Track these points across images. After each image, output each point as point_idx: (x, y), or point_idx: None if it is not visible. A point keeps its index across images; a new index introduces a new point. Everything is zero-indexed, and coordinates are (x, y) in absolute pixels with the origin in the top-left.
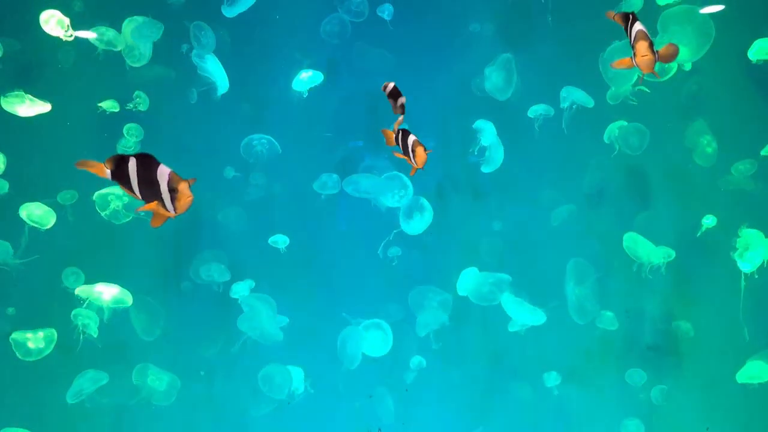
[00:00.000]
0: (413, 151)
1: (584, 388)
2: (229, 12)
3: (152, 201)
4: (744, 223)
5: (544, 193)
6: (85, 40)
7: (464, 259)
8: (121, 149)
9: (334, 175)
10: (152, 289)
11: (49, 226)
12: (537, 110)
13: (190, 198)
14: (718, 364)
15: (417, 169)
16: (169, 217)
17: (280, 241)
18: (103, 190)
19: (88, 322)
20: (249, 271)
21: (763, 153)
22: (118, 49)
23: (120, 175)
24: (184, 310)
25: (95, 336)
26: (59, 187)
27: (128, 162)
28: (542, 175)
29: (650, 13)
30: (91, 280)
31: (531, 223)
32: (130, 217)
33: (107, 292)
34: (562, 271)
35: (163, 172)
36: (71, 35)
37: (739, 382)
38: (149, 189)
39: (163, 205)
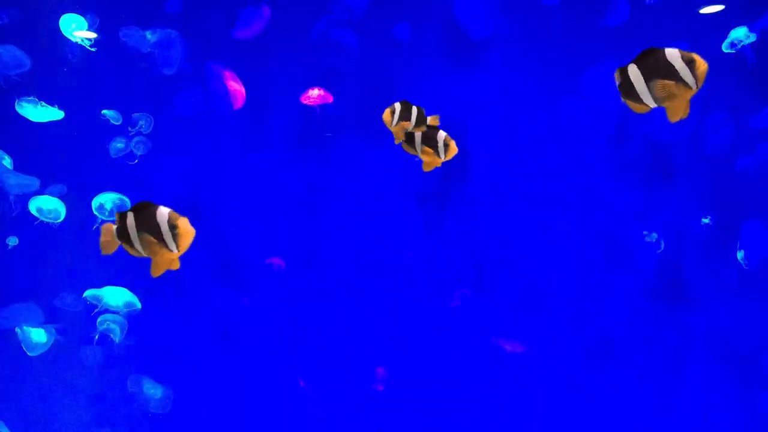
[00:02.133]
0: (446, 146)
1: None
2: (239, 35)
3: (153, 247)
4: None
5: (544, 197)
6: (106, 45)
7: (461, 275)
8: (114, 152)
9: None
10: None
11: (60, 220)
12: (536, 119)
13: (192, 233)
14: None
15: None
16: (171, 267)
17: (275, 263)
18: (100, 196)
19: (113, 327)
20: (246, 284)
21: None
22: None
23: (123, 234)
24: (183, 314)
25: (117, 341)
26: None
27: (126, 218)
28: (542, 178)
29: (639, 14)
30: (92, 281)
31: (532, 230)
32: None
33: (117, 296)
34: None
35: (163, 213)
36: (91, 43)
37: None
38: (151, 233)
39: (166, 246)
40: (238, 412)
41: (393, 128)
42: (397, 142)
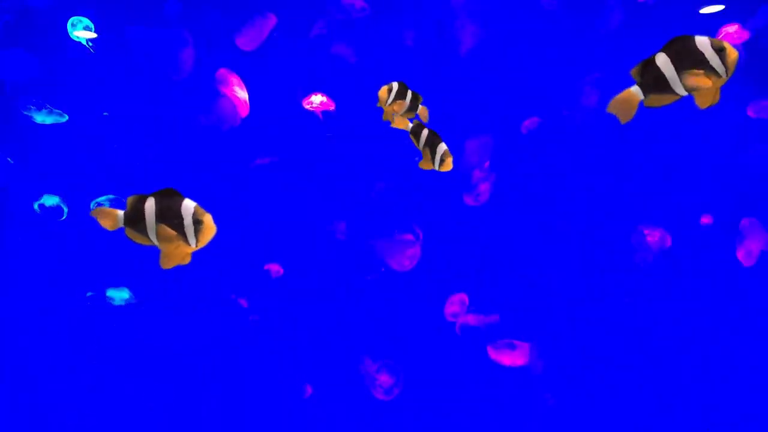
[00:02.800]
0: (442, 160)
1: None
2: (245, 45)
3: (170, 239)
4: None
5: (544, 197)
6: (109, 47)
7: (461, 276)
8: (114, 153)
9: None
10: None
11: (63, 218)
12: (533, 122)
13: (214, 230)
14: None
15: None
16: (182, 262)
17: (272, 270)
18: (100, 198)
19: (117, 327)
20: (247, 286)
21: None
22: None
23: (135, 218)
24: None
25: (120, 341)
26: (65, 189)
27: (146, 202)
28: (542, 178)
29: (639, 14)
30: (94, 283)
31: (532, 230)
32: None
33: (119, 295)
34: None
35: (188, 206)
36: (92, 45)
37: None
38: (169, 225)
39: (185, 240)
40: (239, 415)
41: (386, 107)
42: (384, 119)
